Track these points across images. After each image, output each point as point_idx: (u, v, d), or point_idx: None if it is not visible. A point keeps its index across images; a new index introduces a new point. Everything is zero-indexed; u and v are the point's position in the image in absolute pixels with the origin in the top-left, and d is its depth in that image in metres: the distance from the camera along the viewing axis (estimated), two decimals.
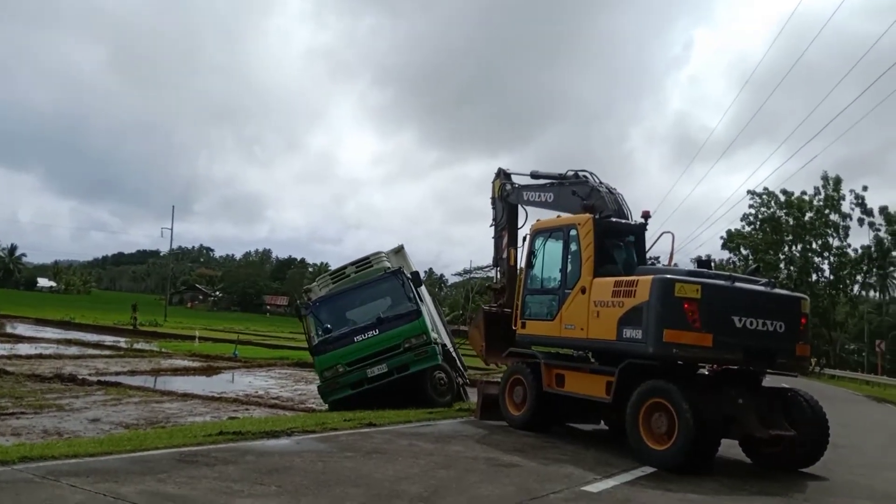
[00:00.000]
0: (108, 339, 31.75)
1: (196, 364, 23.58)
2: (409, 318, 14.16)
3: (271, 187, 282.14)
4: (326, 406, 14.23)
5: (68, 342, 28.43)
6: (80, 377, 16.68)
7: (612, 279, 9.55)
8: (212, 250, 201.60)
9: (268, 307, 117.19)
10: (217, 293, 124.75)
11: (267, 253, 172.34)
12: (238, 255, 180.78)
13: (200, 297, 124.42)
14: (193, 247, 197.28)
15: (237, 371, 22.84)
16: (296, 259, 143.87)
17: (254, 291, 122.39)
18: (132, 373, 19.31)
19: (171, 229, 67.02)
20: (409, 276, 14.92)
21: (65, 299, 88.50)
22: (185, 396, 15.31)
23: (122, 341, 31.59)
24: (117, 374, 18.53)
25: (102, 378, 16.92)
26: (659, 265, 11.85)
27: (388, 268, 15.13)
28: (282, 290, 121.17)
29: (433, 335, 14.66)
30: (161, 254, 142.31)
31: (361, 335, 13.98)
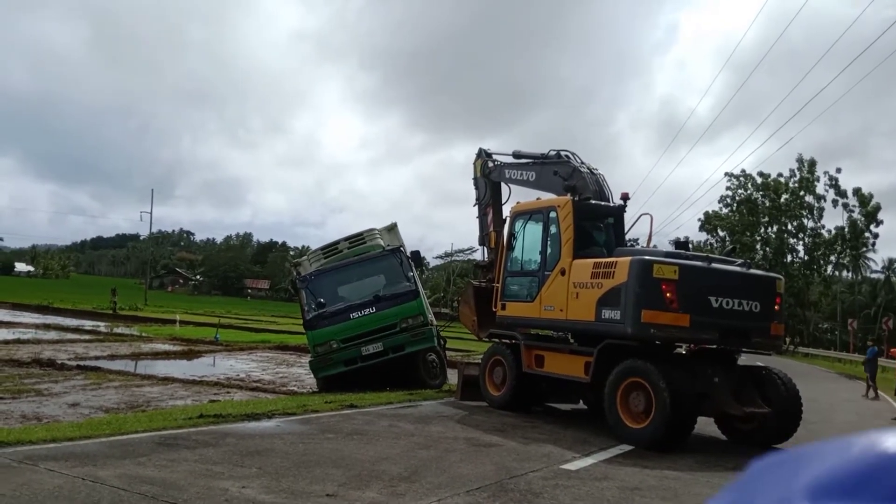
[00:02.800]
0: (88, 324, 31.48)
1: (177, 348, 23.46)
2: (407, 297, 14.06)
3: (254, 170, 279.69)
4: (308, 389, 14.24)
5: (47, 327, 28.13)
6: (59, 362, 16.55)
7: (592, 261, 9.62)
8: (192, 234, 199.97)
9: (249, 291, 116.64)
10: (198, 277, 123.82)
11: (248, 237, 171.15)
12: (219, 239, 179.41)
13: (181, 281, 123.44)
14: (174, 230, 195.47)
15: (218, 355, 22.75)
16: (277, 242, 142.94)
17: (235, 275, 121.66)
18: (112, 357, 19.18)
19: (151, 213, 66.59)
20: (408, 254, 14.83)
21: (43, 284, 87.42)
22: (166, 380, 15.26)
23: (102, 326, 31.35)
24: (97, 358, 18.41)
25: (82, 363, 16.80)
26: (637, 247, 11.94)
27: (381, 245, 14.99)
28: (263, 274, 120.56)
29: (429, 316, 14.67)
30: (141, 238, 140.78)
31: (358, 312, 13.85)
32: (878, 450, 0.29)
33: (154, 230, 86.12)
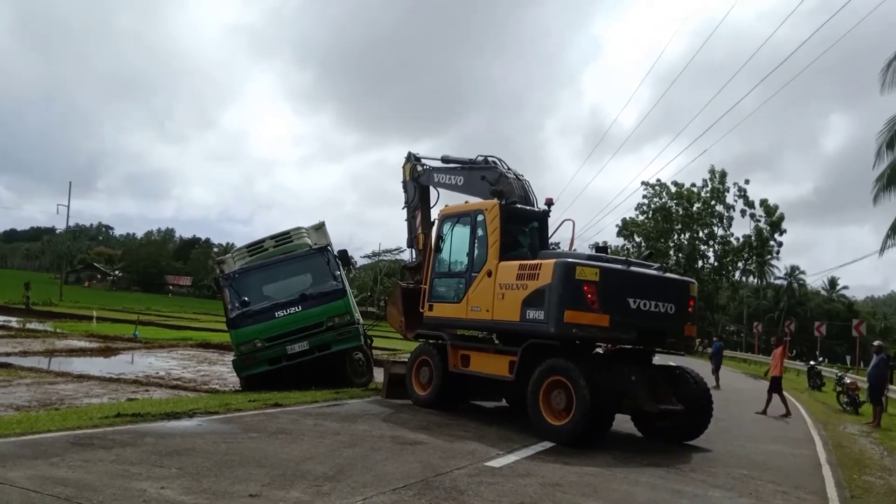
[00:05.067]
0: None
1: (93, 345, 22.63)
2: (334, 296, 14.00)
3: (180, 164, 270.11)
4: (231, 386, 13.99)
5: None
6: None
7: (517, 263, 9.85)
8: (112, 228, 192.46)
9: (170, 287, 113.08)
10: (116, 272, 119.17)
11: (170, 232, 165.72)
12: (140, 235, 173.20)
13: (98, 276, 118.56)
14: (91, 224, 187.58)
15: (137, 352, 22.07)
16: (200, 239, 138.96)
17: (156, 271, 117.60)
18: (24, 353, 18.40)
19: (68, 206, 63.83)
20: (335, 253, 14.75)
21: None
22: (81, 378, 14.75)
23: (14, 321, 29.95)
24: (8, 354, 17.62)
25: None
26: (560, 250, 12.27)
27: (309, 244, 14.87)
28: (185, 271, 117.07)
29: (356, 315, 14.63)
30: (57, 231, 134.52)
31: (283, 311, 13.71)
32: None
33: (71, 223, 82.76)
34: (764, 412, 15.83)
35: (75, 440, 6.87)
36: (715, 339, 30.74)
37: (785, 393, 17.03)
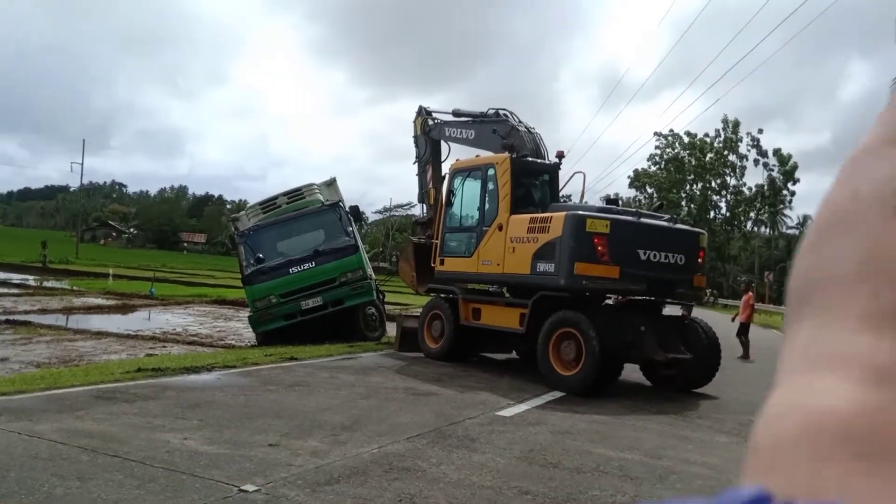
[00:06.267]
0: (16, 277, 30.36)
1: (110, 302, 22.96)
2: (347, 252, 14.13)
3: (193, 121, 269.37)
4: (247, 342, 14.24)
5: None
6: None
7: (528, 216, 9.89)
8: (125, 186, 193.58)
9: (185, 244, 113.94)
10: (131, 230, 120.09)
11: (183, 189, 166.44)
12: (153, 192, 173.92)
13: (114, 234, 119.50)
14: (105, 182, 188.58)
15: (154, 309, 22.39)
16: (213, 196, 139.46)
17: (170, 228, 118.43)
18: (42, 311, 18.68)
19: (82, 164, 64.39)
20: (347, 209, 14.87)
21: None
22: (100, 335, 15.00)
23: (31, 279, 30.34)
24: (26, 312, 17.89)
25: (10, 317, 16.31)
26: (571, 203, 12.29)
27: (321, 200, 14.97)
28: (199, 228, 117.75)
29: (368, 271, 14.79)
30: (71, 189, 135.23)
31: (297, 267, 13.88)
32: None
33: (85, 181, 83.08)
34: (745, 356, 16.08)
35: (98, 394, 7.07)
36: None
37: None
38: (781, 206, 69.24)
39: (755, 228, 72.85)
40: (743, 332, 16.69)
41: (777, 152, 66.75)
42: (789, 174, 66.87)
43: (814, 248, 0.36)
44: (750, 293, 17.47)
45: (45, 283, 28.76)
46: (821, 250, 0.35)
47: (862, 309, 0.32)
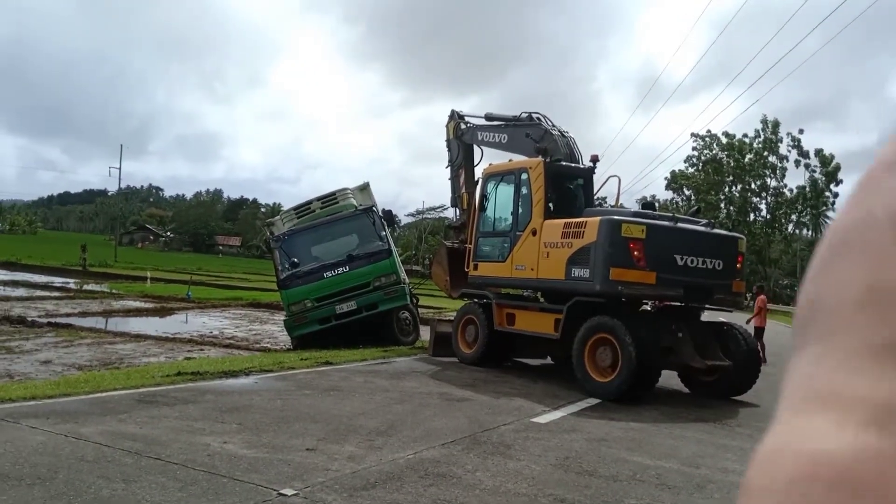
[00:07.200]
0: (57, 281, 31.14)
1: (149, 305, 23.40)
2: (380, 256, 14.25)
3: (229, 125, 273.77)
4: (282, 345, 14.39)
5: (15, 283, 27.77)
6: (30, 319, 16.44)
7: (562, 221, 9.84)
8: (161, 190, 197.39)
9: (220, 247, 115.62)
10: (168, 234, 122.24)
11: (218, 193, 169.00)
12: (189, 195, 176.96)
13: (151, 237, 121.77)
14: (142, 186, 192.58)
15: (191, 312, 22.77)
16: (248, 199, 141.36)
17: (205, 231, 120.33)
18: (83, 314, 19.10)
19: (120, 168, 66.10)
20: (380, 214, 14.96)
21: (9, 240, 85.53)
22: (139, 337, 15.29)
23: (72, 282, 31.01)
24: (68, 315, 18.31)
25: (52, 320, 16.72)
26: (606, 207, 12.20)
27: (354, 204, 15.07)
28: (234, 231, 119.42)
29: (401, 275, 14.87)
30: (109, 193, 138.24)
31: (331, 271, 14.04)
32: None
33: (123, 186, 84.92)
34: (763, 360, 15.77)
35: (140, 398, 7.21)
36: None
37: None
38: (824, 207, 67.41)
39: (797, 231, 71.25)
40: (758, 335, 16.35)
41: (819, 153, 65.12)
42: (832, 175, 65.15)
43: (823, 268, 0.34)
44: (763, 296, 17.13)
45: (85, 287, 29.38)
46: (830, 271, 0.34)
47: (866, 339, 0.30)
